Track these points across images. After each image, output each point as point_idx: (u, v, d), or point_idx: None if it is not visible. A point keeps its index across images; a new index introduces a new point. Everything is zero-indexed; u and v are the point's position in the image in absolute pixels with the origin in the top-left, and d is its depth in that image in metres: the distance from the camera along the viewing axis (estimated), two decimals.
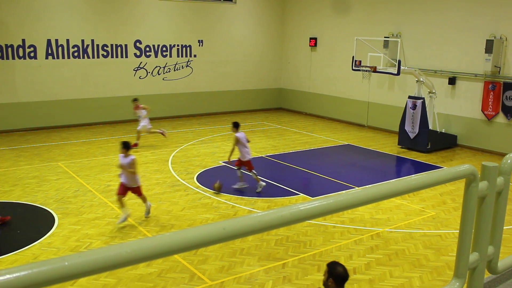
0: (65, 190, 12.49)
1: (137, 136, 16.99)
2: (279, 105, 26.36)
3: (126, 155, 10.41)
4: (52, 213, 10.95)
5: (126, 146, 10.45)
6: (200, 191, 12.59)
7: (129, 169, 10.34)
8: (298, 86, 25.26)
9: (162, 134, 17.20)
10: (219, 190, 12.45)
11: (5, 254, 8.97)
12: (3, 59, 18.87)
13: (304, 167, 15.00)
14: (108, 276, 8.04)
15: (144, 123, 16.85)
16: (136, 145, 16.71)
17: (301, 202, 1.94)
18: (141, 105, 17.09)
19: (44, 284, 1.38)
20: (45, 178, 13.40)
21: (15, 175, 13.67)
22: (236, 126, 12.60)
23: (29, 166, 14.57)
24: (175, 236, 1.55)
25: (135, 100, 17.33)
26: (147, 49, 21.98)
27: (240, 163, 12.70)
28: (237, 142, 12.41)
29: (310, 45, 24.02)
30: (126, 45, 21.42)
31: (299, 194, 12.51)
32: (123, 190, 10.50)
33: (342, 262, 8.74)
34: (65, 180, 13.26)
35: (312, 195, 12.62)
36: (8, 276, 1.31)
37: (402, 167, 16.47)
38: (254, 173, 12.65)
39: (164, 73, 22.62)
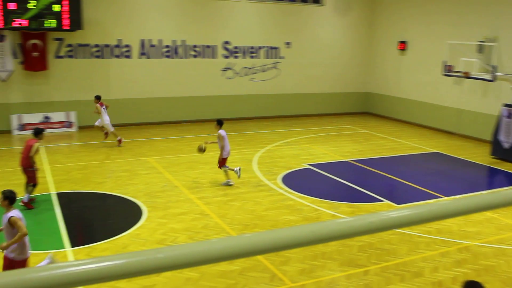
0: (153, 184, 12.97)
1: (102, 129, 17.12)
2: (366, 109, 25.92)
3: (8, 210, 7.16)
4: (141, 206, 11.40)
5: (8, 197, 7.20)
6: (284, 192, 12.63)
7: (10, 233, 7.04)
8: (386, 91, 24.72)
9: (119, 141, 17.02)
10: (201, 151, 13.08)
11: (97, 242, 9.46)
12: (100, 58, 19.90)
13: (389, 174, 14.66)
14: (192, 270, 8.26)
15: (103, 120, 16.86)
16: (107, 134, 17.10)
17: (391, 210, 1.90)
18: (103, 103, 17.10)
19: (139, 274, 1.44)
20: (136, 172, 13.99)
21: (108, 168, 14.39)
22: (220, 123, 12.97)
23: (121, 160, 15.27)
24: (265, 236, 1.57)
25: (97, 97, 17.09)
26: (236, 50, 22.37)
27: (224, 162, 13.01)
28: (222, 139, 12.82)
29: (399, 49, 23.42)
30: (215, 46, 21.91)
31: (383, 201, 12.24)
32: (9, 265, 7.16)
33: (427, 274, 8.47)
34: (154, 175, 13.77)
35: (397, 202, 12.30)
36: (108, 263, 1.38)
37: (494, 178, 15.68)
38: (225, 169, 13.06)
39: (251, 74, 22.91)
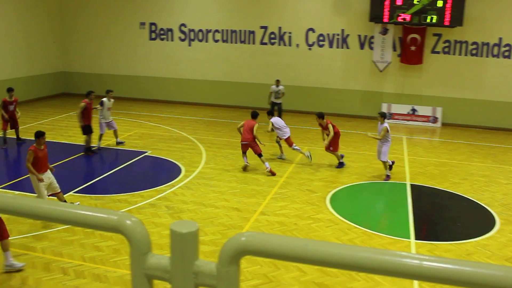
0: None
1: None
2: None
3: None
4: (495, 216, 10.73)
5: None
6: None
7: None
8: None
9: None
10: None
11: (441, 241, 9.36)
12: (476, 56, 19.22)
13: None
14: None
15: None
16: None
17: None
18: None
19: None
20: (495, 180, 13.19)
21: (466, 170, 13.95)
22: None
23: (481, 164, 14.60)
24: None
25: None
26: None
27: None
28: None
29: None
30: None
31: None
32: None
33: None
34: None
35: None
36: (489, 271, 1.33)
37: None
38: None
39: None
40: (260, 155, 12.89)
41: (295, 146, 13.80)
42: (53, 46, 23.58)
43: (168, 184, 11.91)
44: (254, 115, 13.30)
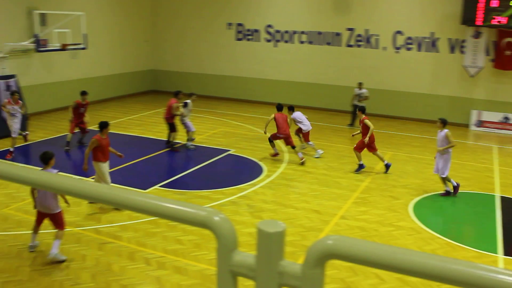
0: None
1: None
2: None
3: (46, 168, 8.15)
4: None
5: (43, 159, 8.06)
6: None
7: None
8: None
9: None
10: None
11: None
12: None
13: None
14: None
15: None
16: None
17: None
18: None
19: None
20: None
21: None
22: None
23: None
24: None
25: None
26: None
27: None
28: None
29: None
30: None
31: None
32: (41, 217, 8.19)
33: None
34: None
35: None
36: None
37: None
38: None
39: None
40: (293, 147, 13.85)
41: (310, 142, 14.48)
42: (144, 45, 24.53)
43: (249, 183, 12.05)
44: (281, 108, 14.22)
